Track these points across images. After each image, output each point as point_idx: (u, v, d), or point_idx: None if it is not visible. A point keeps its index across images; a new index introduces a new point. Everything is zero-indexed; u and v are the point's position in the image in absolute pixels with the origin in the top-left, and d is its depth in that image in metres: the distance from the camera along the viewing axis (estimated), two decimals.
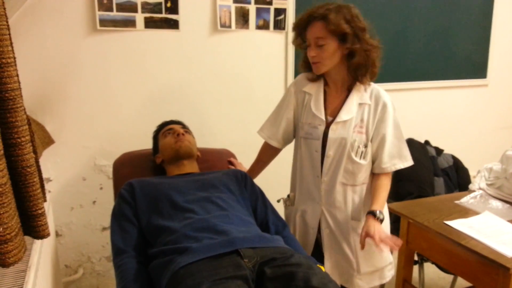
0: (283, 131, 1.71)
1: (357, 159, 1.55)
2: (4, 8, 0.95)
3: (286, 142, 1.76)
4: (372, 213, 1.49)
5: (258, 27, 2.38)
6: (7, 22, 0.96)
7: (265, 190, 1.72)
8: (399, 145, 1.58)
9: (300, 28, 1.54)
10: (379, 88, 1.59)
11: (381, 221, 1.48)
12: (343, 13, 1.45)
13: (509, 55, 3.18)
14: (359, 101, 1.56)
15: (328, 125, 1.57)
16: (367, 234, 1.45)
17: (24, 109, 1.03)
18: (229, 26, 2.31)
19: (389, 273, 1.69)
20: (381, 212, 1.50)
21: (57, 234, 2.21)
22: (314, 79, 1.64)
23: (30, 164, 1.01)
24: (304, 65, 1.67)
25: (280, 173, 2.02)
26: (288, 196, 1.79)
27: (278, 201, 1.81)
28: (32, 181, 1.02)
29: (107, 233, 2.26)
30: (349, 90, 1.58)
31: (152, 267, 1.31)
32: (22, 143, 0.99)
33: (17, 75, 1.00)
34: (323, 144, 1.58)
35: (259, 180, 1.79)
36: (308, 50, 1.53)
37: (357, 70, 1.52)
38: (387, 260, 1.66)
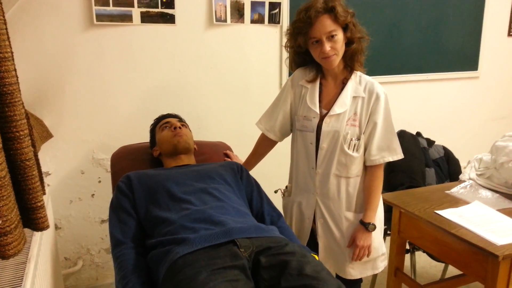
0: (280, 125, 1.73)
1: (349, 151, 1.57)
2: (0, 3, 0.95)
3: (283, 135, 1.78)
4: (364, 225, 1.58)
5: (253, 21, 2.39)
6: (3, 16, 0.96)
7: (261, 182, 1.73)
8: (389, 137, 1.58)
9: (306, 26, 1.49)
10: (374, 81, 1.60)
11: (372, 231, 1.59)
12: (341, 3, 1.49)
13: (500, 47, 3.19)
14: (354, 94, 1.58)
15: (322, 118, 1.59)
16: (353, 242, 1.61)
17: (22, 103, 1.03)
18: (225, 20, 2.32)
19: (382, 264, 1.72)
20: (372, 224, 1.58)
21: (56, 227, 2.23)
22: (311, 72, 1.65)
23: (29, 157, 1.01)
24: (295, 62, 1.68)
25: (275, 166, 2.04)
26: (286, 187, 1.82)
27: (276, 191, 1.83)
28: (31, 174, 1.02)
29: (106, 225, 2.28)
30: (344, 83, 1.60)
31: (150, 257, 1.32)
32: (21, 137, 0.99)
33: (15, 70, 1.00)
34: (317, 137, 1.60)
35: (254, 172, 1.81)
36: (319, 46, 1.49)
37: (354, 56, 1.55)
38: (379, 251, 1.69)
